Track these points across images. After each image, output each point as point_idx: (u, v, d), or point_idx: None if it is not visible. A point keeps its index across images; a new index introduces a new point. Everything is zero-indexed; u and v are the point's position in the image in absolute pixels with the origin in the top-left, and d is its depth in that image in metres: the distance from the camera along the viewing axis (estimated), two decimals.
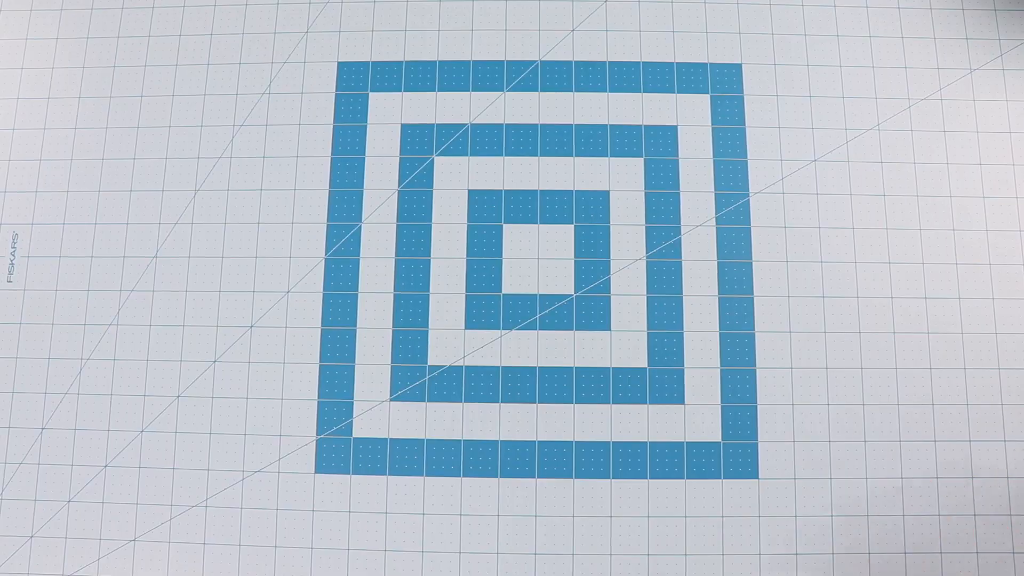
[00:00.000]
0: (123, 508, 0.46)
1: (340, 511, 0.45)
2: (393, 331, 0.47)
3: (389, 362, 0.47)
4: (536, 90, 0.50)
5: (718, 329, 0.47)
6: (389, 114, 0.50)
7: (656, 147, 0.49)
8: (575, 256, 0.48)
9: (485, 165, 0.49)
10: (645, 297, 0.47)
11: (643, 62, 0.50)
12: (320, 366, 0.47)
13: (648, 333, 0.47)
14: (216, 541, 0.45)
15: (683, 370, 0.46)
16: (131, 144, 0.50)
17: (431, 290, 0.47)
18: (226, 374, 0.47)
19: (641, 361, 0.46)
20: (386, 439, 0.46)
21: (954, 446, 0.45)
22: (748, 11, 0.50)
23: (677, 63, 0.50)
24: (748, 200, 0.48)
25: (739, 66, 0.50)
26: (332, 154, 0.49)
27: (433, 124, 0.49)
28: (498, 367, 0.47)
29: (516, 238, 0.48)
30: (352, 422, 0.46)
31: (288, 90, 0.50)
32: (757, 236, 0.48)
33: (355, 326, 0.47)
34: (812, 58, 0.50)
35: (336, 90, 0.50)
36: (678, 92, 0.49)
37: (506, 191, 0.48)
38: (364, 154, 0.49)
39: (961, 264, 0.47)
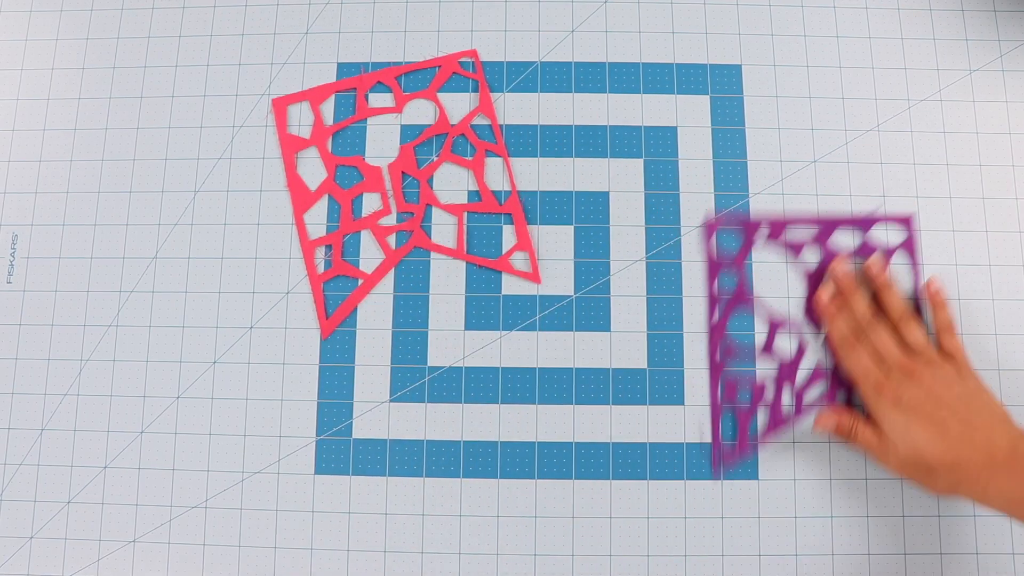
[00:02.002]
0: (123, 509, 0.46)
1: (340, 512, 0.45)
2: (393, 332, 0.47)
3: (389, 363, 0.47)
4: (536, 91, 0.50)
5: None
6: (388, 118, 0.50)
7: (656, 148, 0.49)
8: (575, 257, 0.48)
9: (486, 166, 0.49)
10: (645, 298, 0.47)
11: (643, 63, 0.50)
12: (320, 367, 0.47)
13: (648, 334, 0.47)
14: (216, 542, 0.45)
15: (683, 371, 0.46)
16: (131, 145, 0.50)
17: (431, 291, 0.47)
18: (226, 375, 0.47)
19: (641, 362, 0.46)
20: (386, 440, 0.46)
21: None
22: (748, 12, 0.50)
23: (677, 64, 0.50)
24: (748, 201, 0.48)
25: (739, 67, 0.50)
26: (332, 154, 0.49)
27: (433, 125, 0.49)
28: (498, 368, 0.47)
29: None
30: (352, 423, 0.46)
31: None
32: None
33: (355, 327, 0.47)
34: (812, 59, 0.50)
35: (334, 95, 0.50)
36: (678, 93, 0.49)
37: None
38: (364, 155, 0.49)
39: (961, 264, 0.47)
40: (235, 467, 0.46)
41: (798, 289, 0.47)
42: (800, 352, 0.46)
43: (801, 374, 0.46)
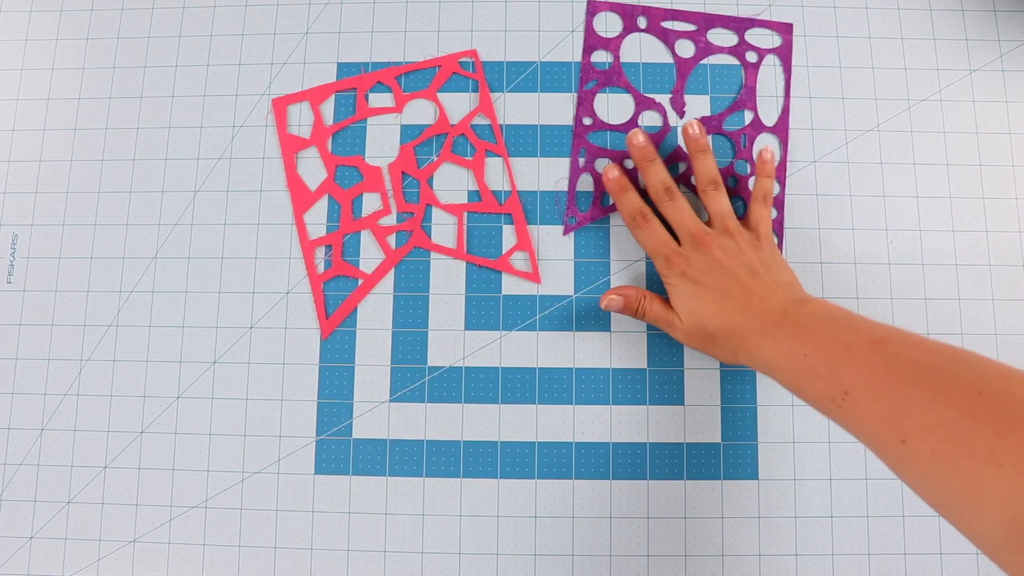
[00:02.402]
0: (123, 509, 0.46)
1: (340, 512, 0.45)
2: (393, 332, 0.47)
3: (389, 363, 0.47)
4: (536, 91, 0.50)
5: None
6: (388, 118, 0.50)
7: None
8: (575, 257, 0.48)
9: (486, 166, 0.49)
10: None
11: (643, 63, 0.50)
12: (320, 367, 0.47)
13: (648, 334, 0.47)
14: (216, 542, 0.45)
15: (683, 371, 0.46)
16: (131, 145, 0.50)
17: (431, 291, 0.47)
18: (226, 375, 0.47)
19: (641, 362, 0.46)
20: (386, 440, 0.46)
21: None
22: (748, 12, 0.50)
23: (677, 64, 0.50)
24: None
25: (738, 67, 0.50)
26: (332, 154, 0.49)
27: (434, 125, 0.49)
28: (498, 368, 0.47)
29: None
30: (352, 423, 0.46)
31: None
32: None
33: (355, 327, 0.47)
34: (811, 59, 0.50)
35: (334, 95, 0.50)
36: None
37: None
38: (364, 155, 0.49)
39: (961, 265, 0.47)
40: (235, 467, 0.46)
41: (670, 75, 0.49)
42: (664, 130, 0.48)
43: (663, 149, 0.48)
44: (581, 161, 0.48)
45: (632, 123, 0.49)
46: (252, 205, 0.49)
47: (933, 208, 0.48)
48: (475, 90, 0.50)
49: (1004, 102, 0.49)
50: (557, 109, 0.49)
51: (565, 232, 0.47)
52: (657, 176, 0.44)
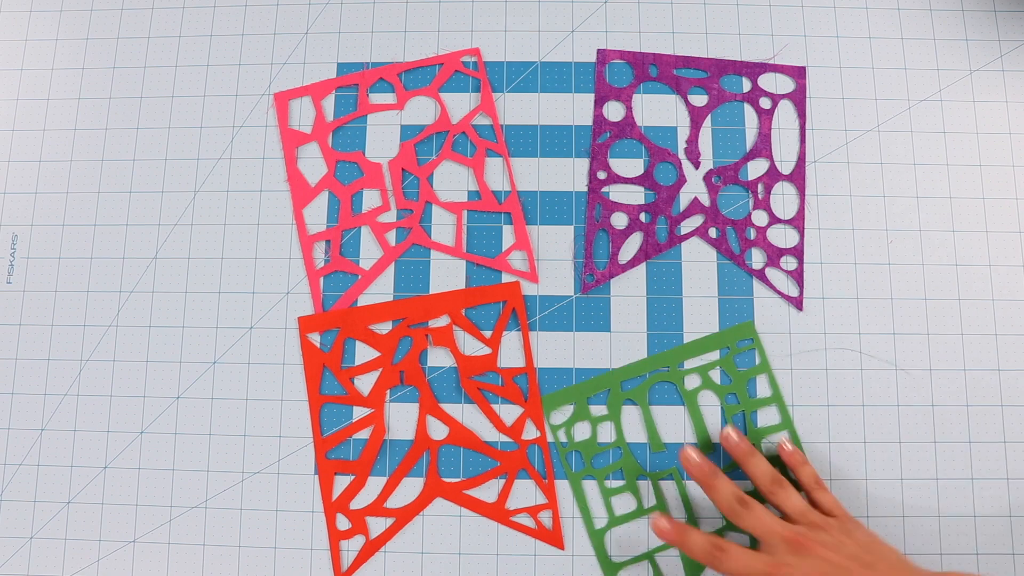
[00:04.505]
0: (123, 509, 0.46)
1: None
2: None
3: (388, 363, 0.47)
4: (536, 91, 0.50)
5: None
6: (389, 115, 0.50)
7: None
8: (575, 257, 0.48)
9: (486, 165, 0.49)
10: (645, 298, 0.47)
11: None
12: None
13: (648, 334, 0.47)
14: (216, 542, 0.45)
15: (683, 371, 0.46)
16: (131, 145, 0.50)
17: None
18: (226, 375, 0.47)
19: None
20: (386, 440, 0.46)
21: (954, 447, 0.45)
22: (748, 12, 0.50)
23: None
24: (748, 201, 0.48)
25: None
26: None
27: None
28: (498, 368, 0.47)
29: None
30: (351, 423, 0.46)
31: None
32: None
33: None
34: (812, 59, 0.50)
35: (335, 91, 0.50)
36: (678, 93, 0.49)
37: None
38: (364, 151, 0.49)
39: (961, 265, 0.47)
40: (235, 467, 0.46)
41: (684, 125, 0.49)
42: (679, 183, 0.47)
43: (679, 202, 0.48)
44: (597, 217, 0.47)
45: (647, 176, 0.47)
46: (252, 205, 0.49)
47: (933, 208, 0.48)
48: (476, 89, 0.50)
49: (1004, 102, 0.49)
50: (557, 109, 0.49)
51: (584, 291, 0.46)
52: (725, 490, 0.40)
